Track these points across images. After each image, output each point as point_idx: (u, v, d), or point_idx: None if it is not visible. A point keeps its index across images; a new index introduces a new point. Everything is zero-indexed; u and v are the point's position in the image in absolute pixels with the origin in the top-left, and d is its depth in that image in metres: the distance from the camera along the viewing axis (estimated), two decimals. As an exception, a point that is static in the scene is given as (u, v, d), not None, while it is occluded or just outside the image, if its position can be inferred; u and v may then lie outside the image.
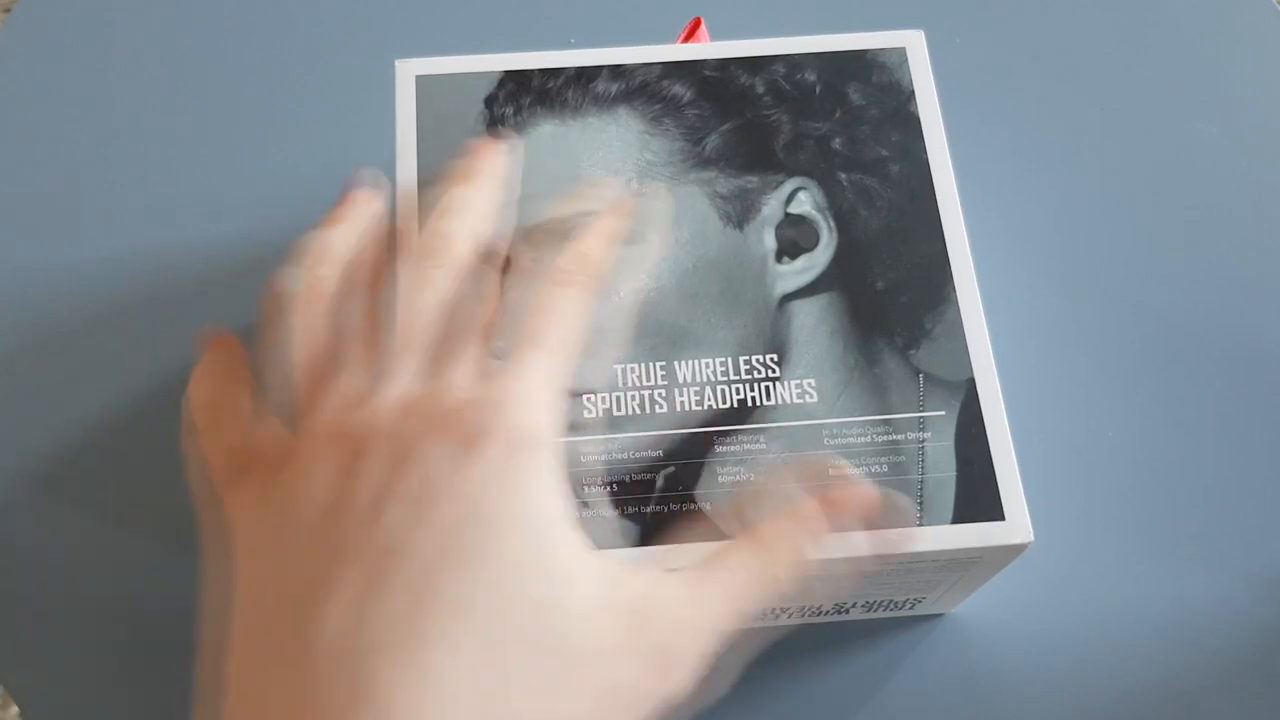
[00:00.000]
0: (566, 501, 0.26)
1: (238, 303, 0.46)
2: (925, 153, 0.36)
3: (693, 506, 0.31)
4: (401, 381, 0.27)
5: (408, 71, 0.37)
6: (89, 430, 0.44)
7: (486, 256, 0.30)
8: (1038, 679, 0.39)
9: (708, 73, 0.36)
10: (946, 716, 0.39)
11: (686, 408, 0.32)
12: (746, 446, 0.32)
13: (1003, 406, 0.32)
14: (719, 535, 0.30)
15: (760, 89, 0.36)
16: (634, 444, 0.32)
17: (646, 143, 0.35)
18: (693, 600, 0.26)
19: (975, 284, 0.34)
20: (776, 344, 0.33)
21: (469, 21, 0.51)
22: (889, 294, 0.33)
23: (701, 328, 0.33)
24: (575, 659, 0.24)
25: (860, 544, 0.30)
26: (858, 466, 0.31)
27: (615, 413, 0.32)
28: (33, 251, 0.47)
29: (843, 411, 0.32)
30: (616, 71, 0.36)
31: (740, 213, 0.35)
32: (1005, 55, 0.51)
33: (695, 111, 0.34)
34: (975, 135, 0.48)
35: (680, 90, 0.36)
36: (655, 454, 0.32)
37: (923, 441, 0.32)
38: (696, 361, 0.33)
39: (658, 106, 0.36)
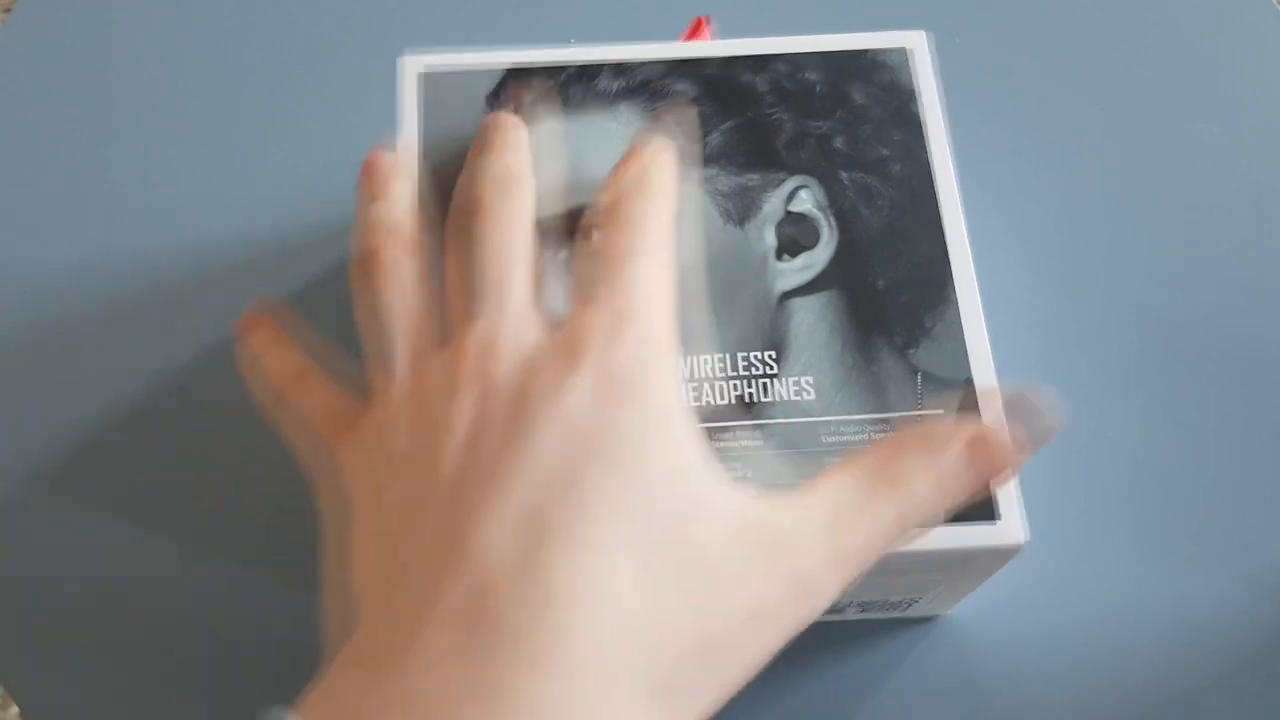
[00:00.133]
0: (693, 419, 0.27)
1: (240, 300, 0.46)
2: (927, 153, 0.36)
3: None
4: (509, 313, 0.28)
5: (411, 67, 0.37)
6: (89, 429, 0.44)
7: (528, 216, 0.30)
8: (1035, 681, 0.39)
9: (710, 71, 0.36)
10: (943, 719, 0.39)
11: (684, 404, 0.32)
12: (743, 443, 0.32)
13: (1001, 406, 0.32)
14: None
15: (762, 88, 0.36)
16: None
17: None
18: (831, 535, 0.25)
19: (975, 284, 0.34)
20: (775, 341, 0.33)
21: (472, 19, 0.51)
22: (889, 293, 0.33)
23: (700, 324, 0.33)
24: (720, 578, 0.24)
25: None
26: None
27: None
28: (33, 250, 0.47)
29: (840, 409, 0.32)
30: (619, 69, 0.36)
31: (741, 210, 0.35)
32: (1005, 55, 0.51)
33: (698, 110, 0.34)
34: (976, 135, 0.48)
35: (682, 88, 0.36)
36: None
37: (920, 440, 0.32)
38: (694, 358, 0.33)
39: (660, 104, 0.36)
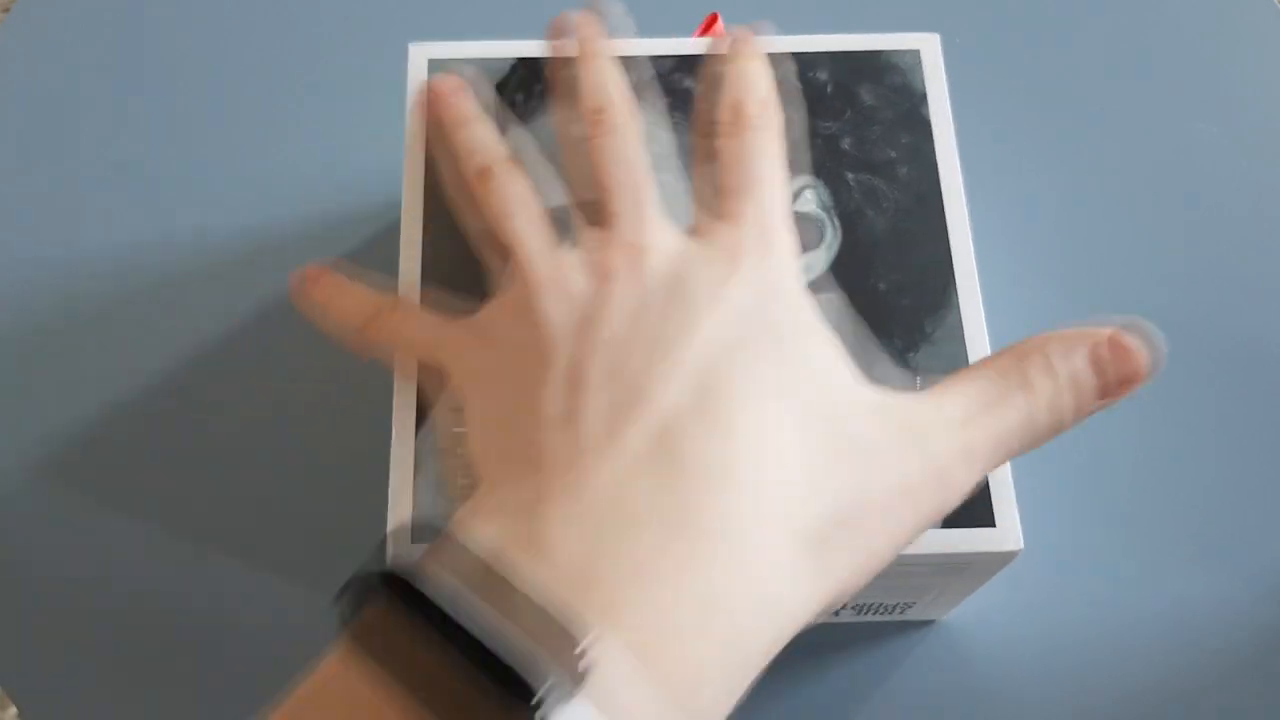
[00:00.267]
0: None
1: (242, 295, 0.46)
2: (934, 156, 0.36)
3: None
4: (649, 216, 0.29)
5: (420, 55, 0.37)
6: (88, 427, 0.44)
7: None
8: (1033, 685, 0.40)
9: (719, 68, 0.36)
10: None
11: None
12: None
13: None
14: None
15: None
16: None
17: (655, 135, 0.36)
18: (962, 430, 0.26)
19: (978, 289, 0.34)
20: None
21: (483, 10, 0.51)
22: (890, 295, 0.34)
23: None
24: (869, 459, 0.26)
25: None
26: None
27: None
28: (32, 246, 0.47)
29: (841, 413, 0.32)
30: (628, 63, 0.36)
31: None
32: (1006, 58, 0.51)
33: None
34: (978, 137, 0.48)
35: (691, 84, 0.36)
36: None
37: (918, 445, 0.32)
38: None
39: (667, 99, 0.36)
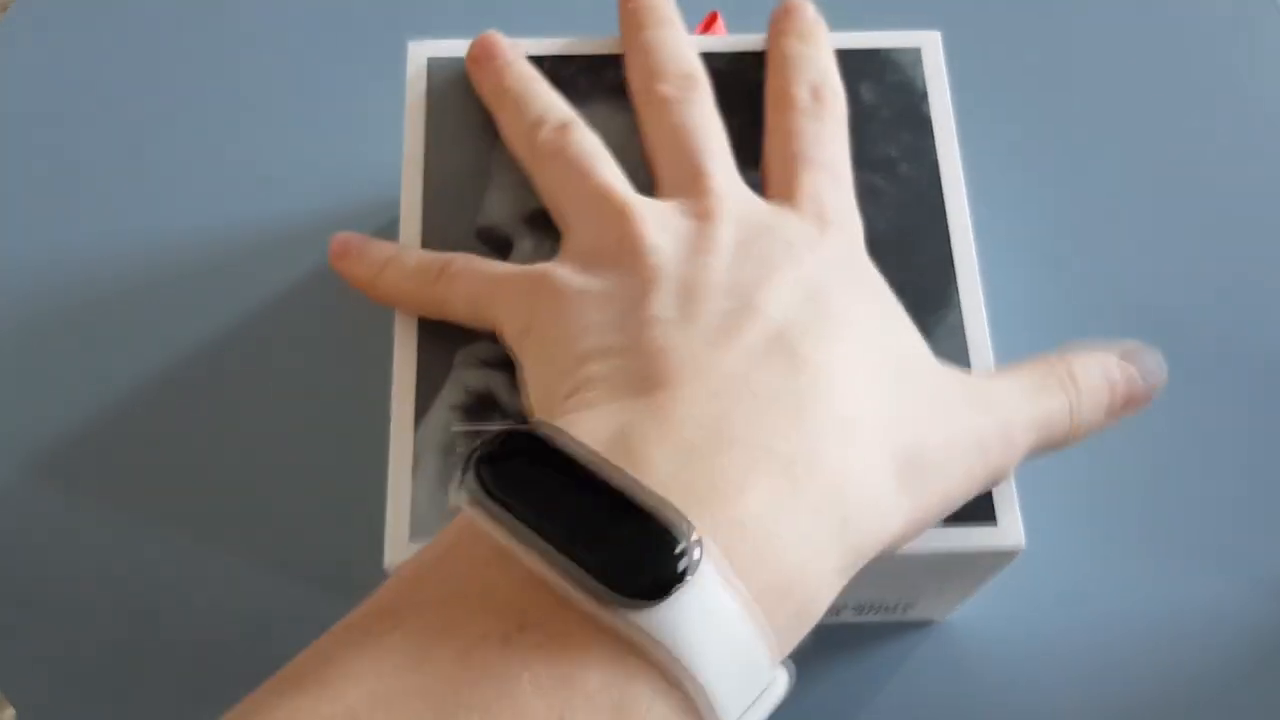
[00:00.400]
0: None
1: (239, 290, 0.46)
2: (935, 154, 0.36)
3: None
4: (733, 176, 0.31)
5: (420, 54, 0.37)
6: (86, 424, 0.44)
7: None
8: (1034, 686, 0.39)
9: (719, 66, 0.36)
10: None
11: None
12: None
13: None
14: None
15: None
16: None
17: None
18: (1021, 410, 0.29)
19: (979, 287, 0.34)
20: None
21: (482, 9, 0.51)
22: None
23: None
24: (947, 409, 0.27)
25: None
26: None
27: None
28: (30, 244, 0.47)
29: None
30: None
31: None
32: (1008, 56, 0.51)
33: None
34: (980, 136, 0.48)
35: None
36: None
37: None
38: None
39: None
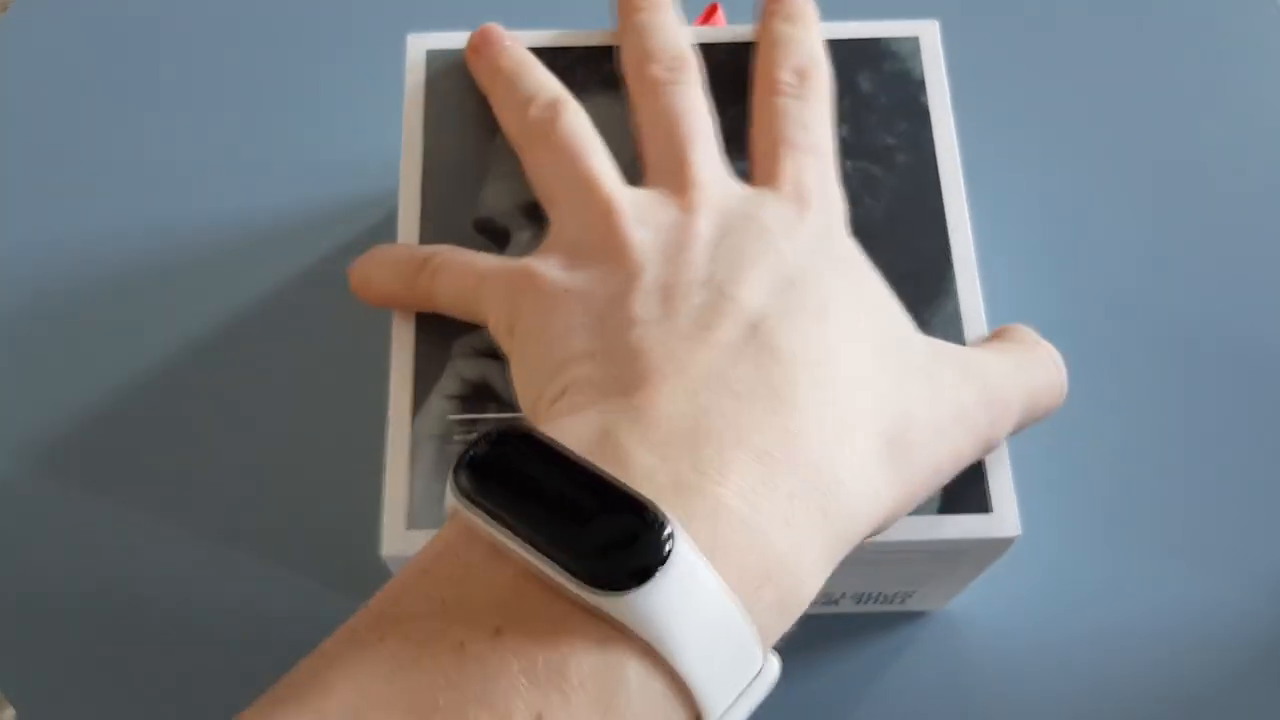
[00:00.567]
0: None
1: (237, 283, 0.46)
2: (933, 143, 0.36)
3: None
4: (718, 160, 0.32)
5: (419, 46, 0.37)
6: (85, 421, 0.44)
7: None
8: (1032, 677, 0.39)
9: (719, 57, 0.36)
10: (938, 717, 0.39)
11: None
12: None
13: None
14: None
15: None
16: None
17: None
18: (1009, 379, 0.30)
19: (976, 277, 0.34)
20: None
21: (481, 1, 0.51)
22: (888, 283, 0.33)
23: None
24: (932, 381, 0.28)
25: None
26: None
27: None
28: (29, 238, 0.47)
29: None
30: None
31: None
32: (1006, 46, 0.51)
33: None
34: (977, 126, 0.48)
35: None
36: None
37: (915, 431, 0.32)
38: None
39: None
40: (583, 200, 0.30)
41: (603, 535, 0.22)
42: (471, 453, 0.24)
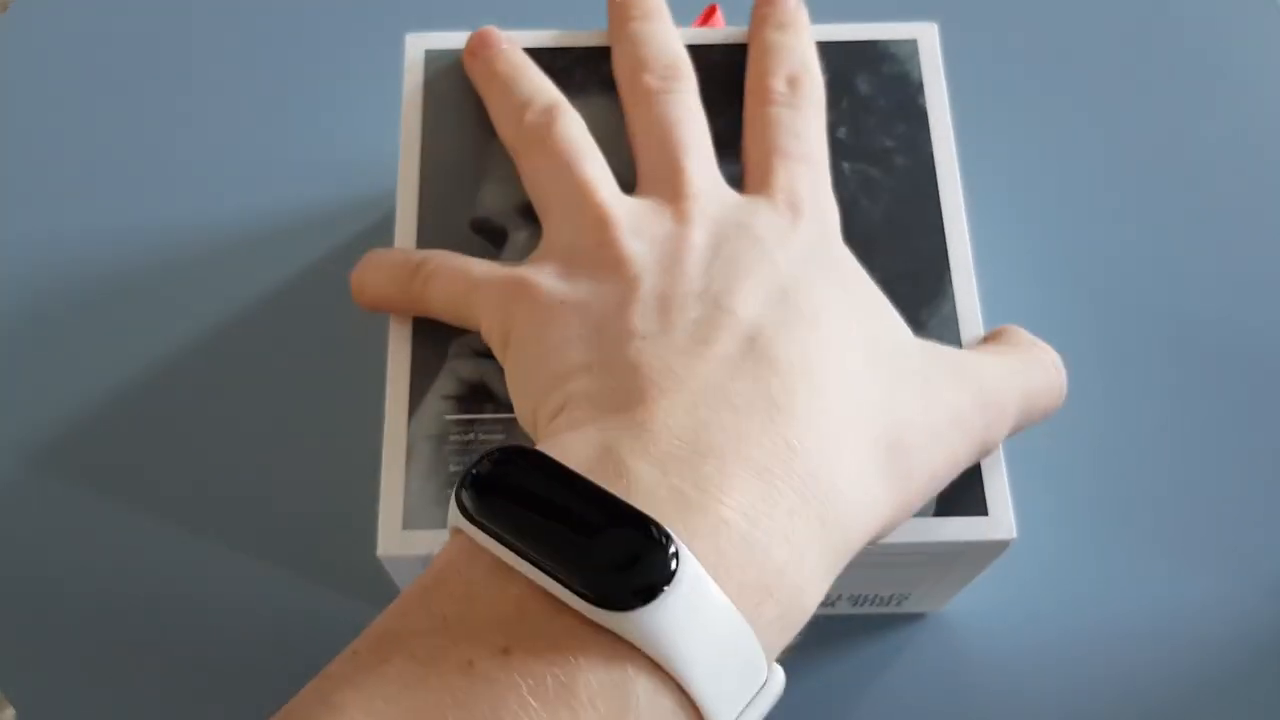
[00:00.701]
0: None
1: (235, 283, 0.46)
2: (931, 146, 0.36)
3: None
4: (711, 167, 0.32)
5: (417, 46, 0.37)
6: (82, 420, 0.44)
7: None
8: (1029, 679, 0.39)
9: (716, 58, 0.36)
10: (936, 718, 0.39)
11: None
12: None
13: None
14: None
15: None
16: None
17: None
18: (1006, 382, 0.30)
19: (973, 279, 0.34)
20: None
21: (481, 1, 0.51)
22: (886, 285, 0.33)
23: None
24: (927, 387, 0.28)
25: None
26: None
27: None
28: (27, 237, 0.47)
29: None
30: None
31: None
32: (1005, 48, 0.50)
33: (702, 95, 0.34)
34: (975, 128, 0.48)
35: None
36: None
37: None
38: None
39: None
40: (577, 209, 0.30)
41: (608, 553, 0.22)
42: (474, 471, 0.24)
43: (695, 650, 0.22)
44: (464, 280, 0.31)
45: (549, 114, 0.33)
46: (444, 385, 0.32)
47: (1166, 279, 0.46)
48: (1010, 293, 0.44)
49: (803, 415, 0.25)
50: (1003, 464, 0.31)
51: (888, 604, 0.38)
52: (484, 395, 0.32)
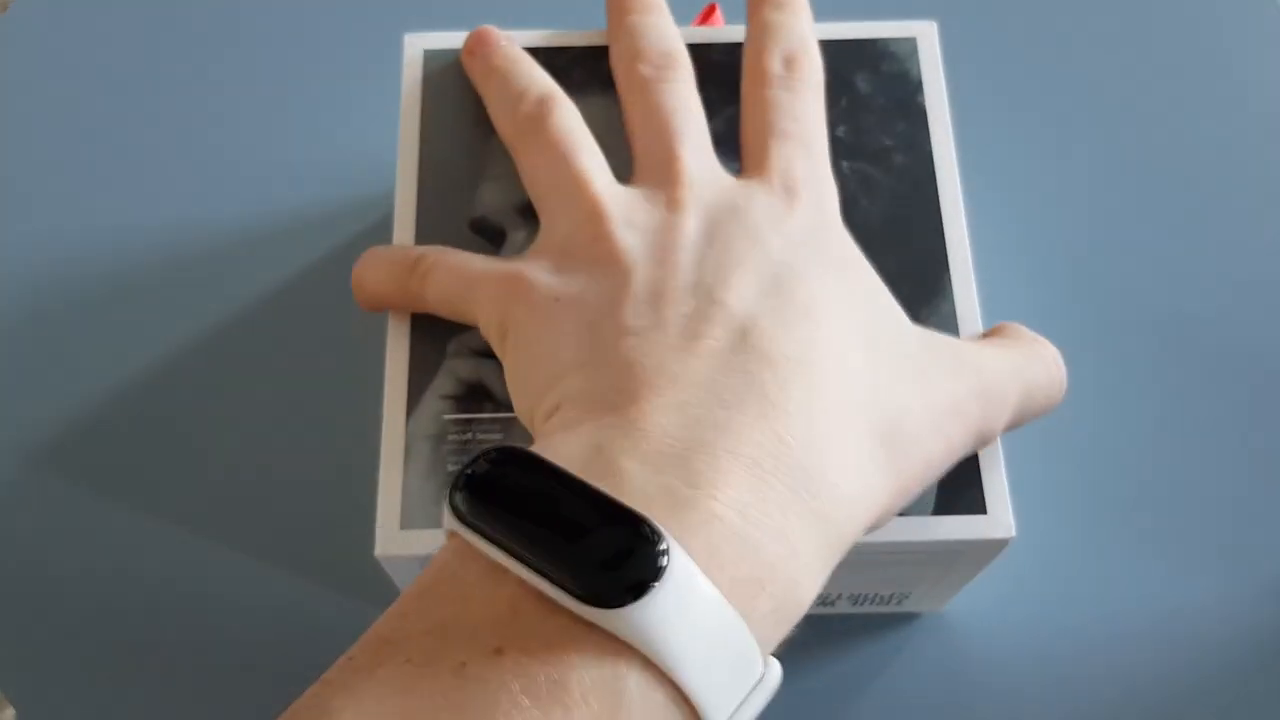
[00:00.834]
0: None
1: (232, 284, 0.46)
2: (930, 144, 0.35)
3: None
4: (707, 153, 0.32)
5: (416, 46, 0.37)
6: (80, 420, 0.44)
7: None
8: (1030, 678, 0.39)
9: (715, 57, 0.36)
10: (936, 717, 0.39)
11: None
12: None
13: None
14: None
15: None
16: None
17: None
18: (1005, 373, 0.30)
19: (972, 277, 0.34)
20: None
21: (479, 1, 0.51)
22: (885, 283, 0.33)
23: None
24: (925, 376, 0.28)
25: None
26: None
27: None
28: (26, 237, 0.47)
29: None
30: None
31: None
32: (1004, 48, 0.50)
33: (701, 95, 0.34)
34: (975, 127, 0.48)
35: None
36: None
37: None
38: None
39: None
40: (572, 200, 0.30)
41: (599, 551, 0.22)
42: (467, 473, 0.24)
43: (687, 644, 0.22)
44: (461, 276, 0.31)
45: (543, 105, 0.32)
46: (442, 385, 0.32)
47: (1165, 277, 0.46)
48: (1009, 292, 0.44)
49: (795, 408, 0.25)
50: (1001, 463, 0.31)
51: (888, 603, 0.38)
52: (482, 395, 0.32)
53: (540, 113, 0.32)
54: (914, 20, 0.38)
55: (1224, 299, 0.45)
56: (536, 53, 0.36)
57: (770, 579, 0.23)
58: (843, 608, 0.39)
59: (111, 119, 0.49)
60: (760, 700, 0.23)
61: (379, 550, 0.31)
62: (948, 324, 0.33)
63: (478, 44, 0.36)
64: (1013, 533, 0.30)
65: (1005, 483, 0.31)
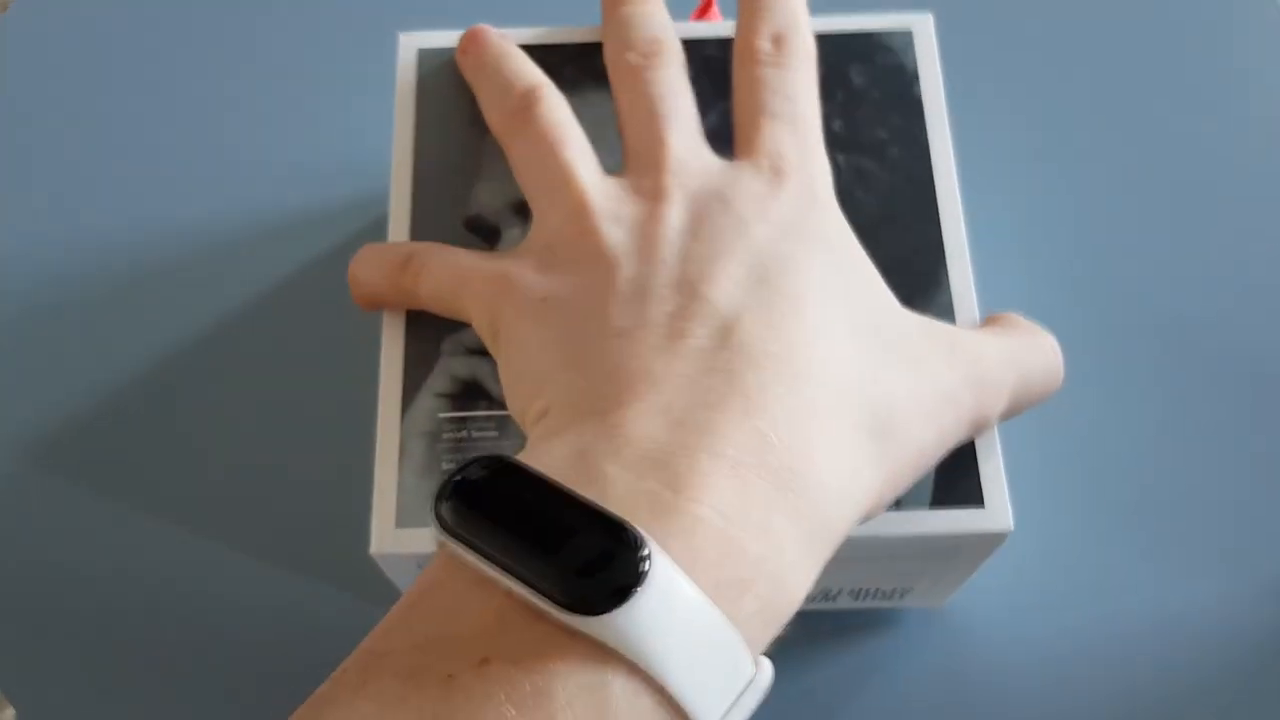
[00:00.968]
0: None
1: (228, 283, 0.46)
2: (926, 137, 0.35)
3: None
4: (695, 137, 0.31)
5: (410, 45, 0.37)
6: (78, 419, 0.44)
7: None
8: (1031, 674, 0.39)
9: (709, 51, 0.36)
10: (936, 715, 0.39)
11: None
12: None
13: None
14: None
15: None
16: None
17: None
18: (1002, 361, 0.30)
19: (969, 270, 0.34)
20: None
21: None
22: (881, 276, 0.33)
23: None
24: (916, 363, 0.28)
25: None
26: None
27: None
28: (24, 237, 0.47)
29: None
30: None
31: None
32: (1001, 41, 0.50)
33: (695, 90, 0.34)
34: (971, 120, 0.48)
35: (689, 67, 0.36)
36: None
37: (906, 424, 0.31)
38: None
39: None
40: (559, 194, 0.30)
41: (580, 557, 0.22)
42: (453, 480, 0.24)
43: (671, 648, 0.22)
44: (452, 274, 0.31)
45: (530, 96, 0.32)
46: (437, 383, 0.32)
47: (1163, 272, 0.45)
48: (1006, 284, 0.44)
49: (777, 406, 0.25)
50: (999, 456, 0.31)
51: (889, 598, 0.38)
52: (477, 393, 0.32)
53: (527, 104, 0.32)
54: (910, 13, 0.37)
55: (1221, 294, 0.45)
56: (531, 50, 0.36)
57: (755, 579, 0.23)
58: (844, 603, 0.39)
59: (111, 119, 0.49)
60: (751, 701, 0.23)
61: (374, 549, 0.31)
62: (944, 316, 0.33)
63: (471, 42, 0.35)
64: (1011, 525, 0.30)
65: (1003, 476, 0.31)
